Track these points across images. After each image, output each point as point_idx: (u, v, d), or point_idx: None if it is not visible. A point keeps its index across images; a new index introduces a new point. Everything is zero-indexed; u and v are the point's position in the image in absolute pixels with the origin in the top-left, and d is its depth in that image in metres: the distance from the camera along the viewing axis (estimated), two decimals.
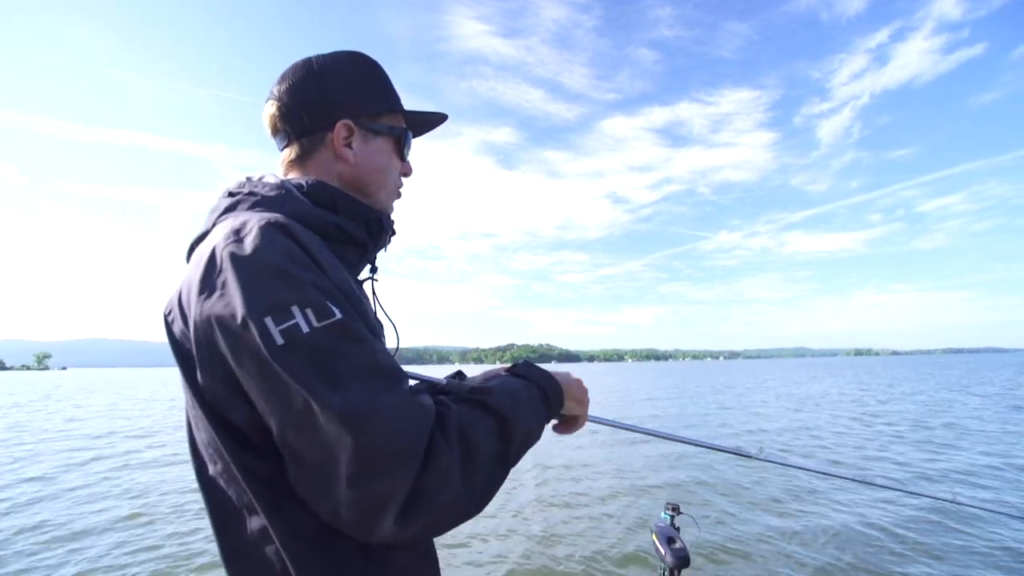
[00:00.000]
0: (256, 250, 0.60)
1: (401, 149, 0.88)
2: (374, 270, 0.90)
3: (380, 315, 0.92)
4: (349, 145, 0.82)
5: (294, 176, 0.81)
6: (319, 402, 0.55)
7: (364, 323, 0.65)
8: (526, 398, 0.74)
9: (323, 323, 0.58)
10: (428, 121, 0.96)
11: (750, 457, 1.30)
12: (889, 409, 14.92)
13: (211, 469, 0.68)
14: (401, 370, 0.65)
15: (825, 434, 10.56)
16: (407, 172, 0.92)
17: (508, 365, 0.85)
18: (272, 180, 0.76)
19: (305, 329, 0.57)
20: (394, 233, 0.91)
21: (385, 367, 0.61)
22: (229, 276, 0.59)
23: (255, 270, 0.59)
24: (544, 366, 0.87)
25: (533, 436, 0.75)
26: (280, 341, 0.56)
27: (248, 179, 0.77)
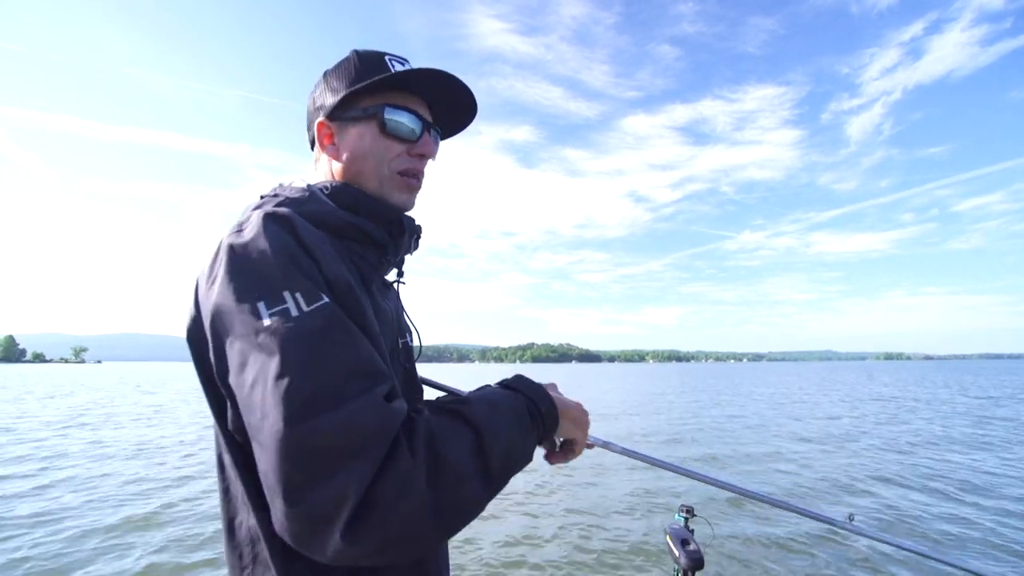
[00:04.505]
0: (251, 239, 0.62)
1: (384, 127, 0.81)
2: (400, 273, 0.90)
3: (406, 318, 0.93)
4: (333, 142, 0.83)
5: (320, 180, 0.84)
6: (275, 387, 0.53)
7: (358, 319, 0.64)
8: (507, 408, 0.67)
9: (309, 309, 0.58)
10: (439, 88, 0.84)
11: (833, 525, 1.05)
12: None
13: (224, 460, 0.70)
14: (383, 372, 0.60)
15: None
16: (424, 152, 0.84)
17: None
18: (300, 184, 0.79)
19: (294, 313, 0.57)
20: (419, 236, 0.89)
21: (363, 362, 0.58)
22: (224, 264, 0.61)
23: (246, 257, 0.61)
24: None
25: (518, 452, 0.66)
26: (264, 324, 0.56)
27: (280, 184, 0.81)
